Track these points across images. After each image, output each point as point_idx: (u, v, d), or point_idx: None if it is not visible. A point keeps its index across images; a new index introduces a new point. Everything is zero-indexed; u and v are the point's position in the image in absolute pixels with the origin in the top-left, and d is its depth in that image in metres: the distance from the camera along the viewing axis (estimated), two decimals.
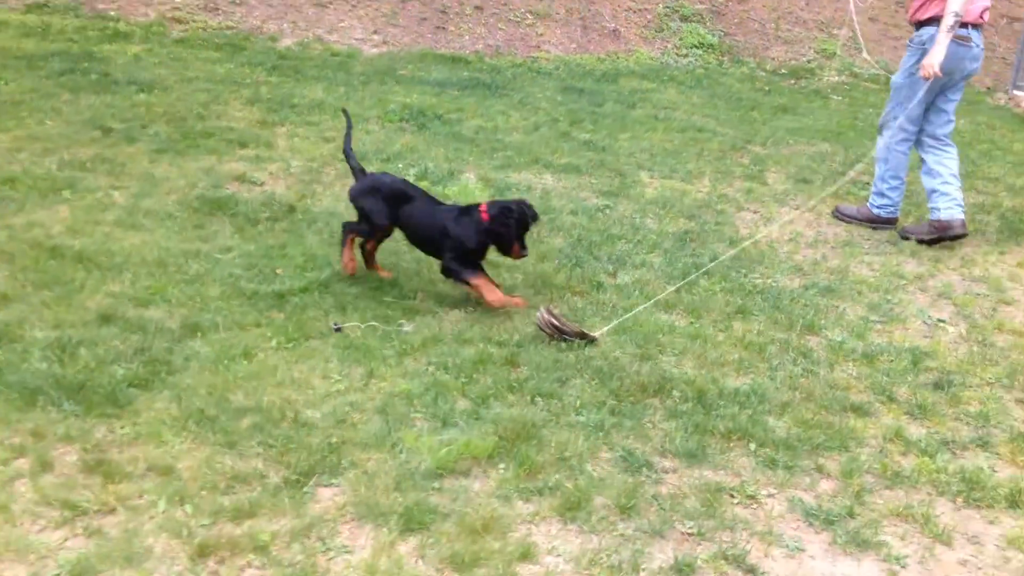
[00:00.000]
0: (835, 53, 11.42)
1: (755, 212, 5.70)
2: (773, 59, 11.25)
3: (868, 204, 5.61)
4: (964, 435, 3.25)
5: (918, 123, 5.34)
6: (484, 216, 3.86)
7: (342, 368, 3.25)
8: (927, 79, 4.98)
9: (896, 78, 5.37)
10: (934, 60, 4.91)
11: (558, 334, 3.59)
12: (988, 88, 11.57)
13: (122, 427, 2.89)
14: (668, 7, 11.64)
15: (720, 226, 5.32)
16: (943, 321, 4.23)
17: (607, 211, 5.41)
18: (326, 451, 2.76)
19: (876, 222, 5.52)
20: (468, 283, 3.84)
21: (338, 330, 3.50)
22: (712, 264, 4.51)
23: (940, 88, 5.21)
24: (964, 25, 5.02)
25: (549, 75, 9.59)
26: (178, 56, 8.25)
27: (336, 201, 5.09)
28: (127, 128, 5.85)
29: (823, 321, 4.10)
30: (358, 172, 4.18)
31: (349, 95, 7.70)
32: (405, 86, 8.30)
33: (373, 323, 3.59)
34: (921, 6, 5.13)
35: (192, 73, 7.68)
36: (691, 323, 3.99)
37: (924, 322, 4.22)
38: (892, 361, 3.74)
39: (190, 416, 2.92)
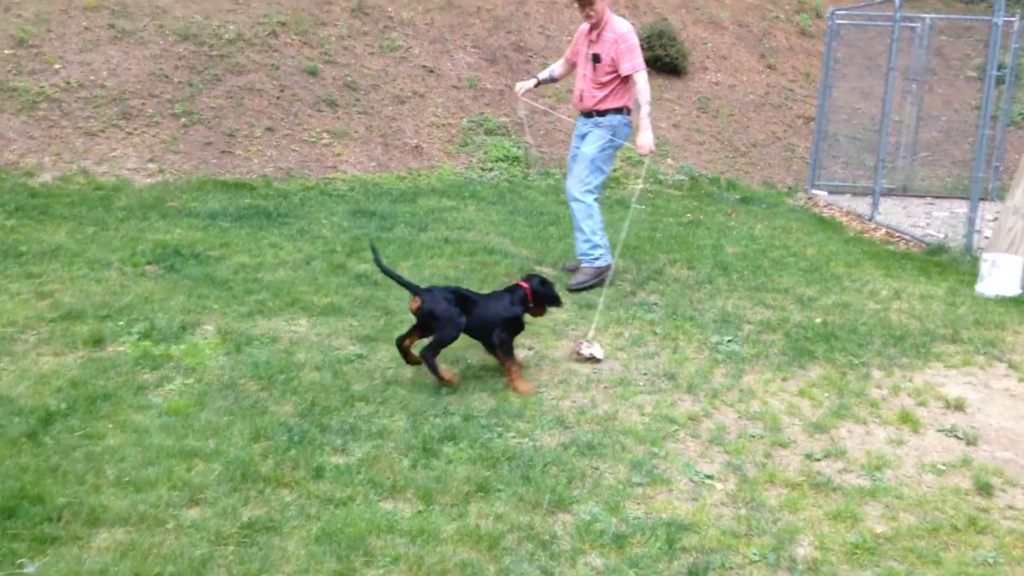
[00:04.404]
0: (640, 161, 11.43)
1: (530, 348, 5.19)
2: None
3: (587, 264, 6.41)
4: None
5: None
6: (528, 294, 4.73)
7: None
8: (648, 155, 6.17)
9: (590, 151, 6.27)
10: (650, 140, 6.09)
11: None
12: (789, 188, 11.81)
13: None
14: (472, 121, 11.43)
15: (485, 371, 4.77)
16: (711, 478, 3.74)
17: (359, 362, 4.77)
18: None
19: (604, 273, 6.32)
20: (512, 362, 4.54)
21: None
22: None
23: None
24: (629, 110, 6.33)
25: (342, 198, 9.05)
26: None
27: (20, 379, 4.24)
28: None
29: (576, 492, 3.54)
30: (413, 287, 4.52)
31: (98, 236, 6.89)
32: (170, 221, 7.55)
33: None
34: (603, 99, 6.22)
35: None
36: (419, 512, 3.34)
37: (691, 480, 3.72)
38: (645, 543, 3.19)
39: None
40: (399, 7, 12.68)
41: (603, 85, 6.20)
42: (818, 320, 5.92)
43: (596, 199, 6.40)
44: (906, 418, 4.43)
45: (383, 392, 4.39)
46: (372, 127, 10.81)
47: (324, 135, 10.47)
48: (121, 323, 5.05)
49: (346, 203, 8.80)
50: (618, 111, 6.26)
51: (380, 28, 12.23)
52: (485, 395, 4.46)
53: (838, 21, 11.63)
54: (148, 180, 8.98)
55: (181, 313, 5.29)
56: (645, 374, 4.88)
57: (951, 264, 7.68)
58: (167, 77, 10.27)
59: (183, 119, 9.91)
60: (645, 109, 6.08)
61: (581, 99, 6.34)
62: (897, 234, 8.95)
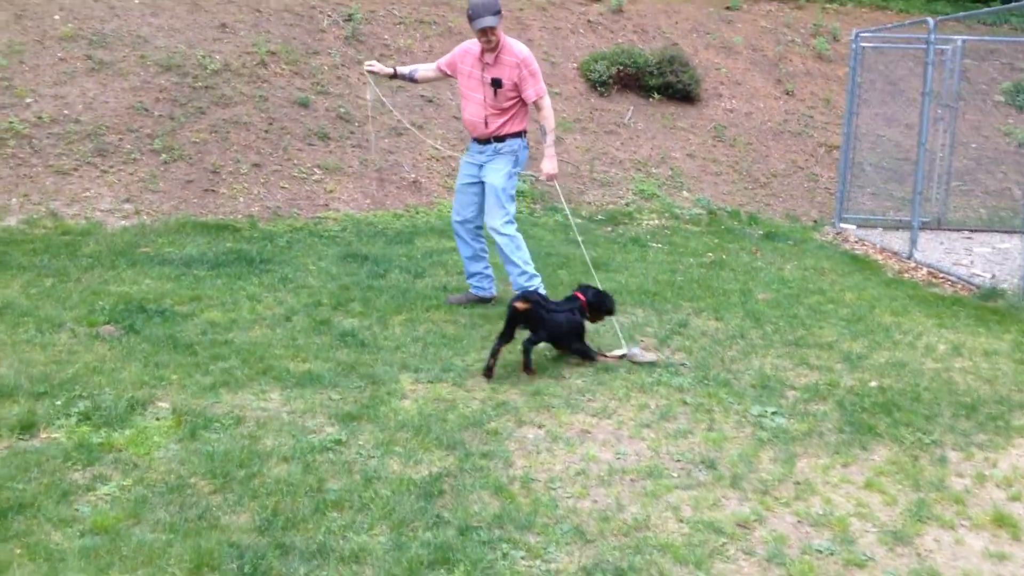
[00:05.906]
0: (654, 194, 10.69)
1: (540, 427, 4.40)
2: (589, 204, 10.39)
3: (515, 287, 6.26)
4: None
5: None
6: (584, 303, 5.38)
7: None
8: (552, 180, 6.25)
9: (499, 182, 6.05)
10: (554, 167, 6.09)
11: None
12: (815, 222, 11.05)
13: None
14: None
15: (487, 459, 3.98)
16: None
17: (336, 450, 3.99)
18: None
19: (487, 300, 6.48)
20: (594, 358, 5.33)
21: None
22: None
23: None
24: (525, 133, 6.17)
25: (333, 239, 8.32)
26: None
27: None
28: None
29: None
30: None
31: (55, 290, 6.15)
32: (139, 269, 6.81)
33: None
34: (503, 124, 6.01)
35: None
36: None
37: None
38: None
39: None
40: (395, 34, 12.03)
41: (504, 111, 6.02)
42: (873, 384, 5.13)
43: (516, 228, 6.22)
44: (1002, 520, 3.63)
45: (363, 492, 3.61)
46: (367, 161, 10.10)
47: (315, 170, 9.75)
48: (59, 402, 4.29)
49: (337, 245, 8.06)
50: (517, 135, 6.11)
51: (376, 56, 11.54)
52: (487, 494, 3.67)
53: (862, 44, 10.92)
54: (123, 222, 8.26)
55: (133, 387, 4.52)
56: (678, 460, 4.09)
57: (1009, 311, 6.88)
58: (147, 110, 9.58)
59: (163, 155, 9.20)
60: (550, 137, 6.03)
61: (476, 126, 6.10)
62: (941, 275, 8.15)
